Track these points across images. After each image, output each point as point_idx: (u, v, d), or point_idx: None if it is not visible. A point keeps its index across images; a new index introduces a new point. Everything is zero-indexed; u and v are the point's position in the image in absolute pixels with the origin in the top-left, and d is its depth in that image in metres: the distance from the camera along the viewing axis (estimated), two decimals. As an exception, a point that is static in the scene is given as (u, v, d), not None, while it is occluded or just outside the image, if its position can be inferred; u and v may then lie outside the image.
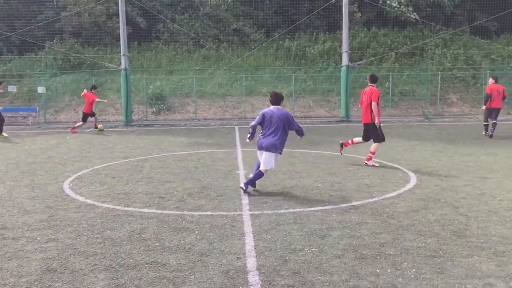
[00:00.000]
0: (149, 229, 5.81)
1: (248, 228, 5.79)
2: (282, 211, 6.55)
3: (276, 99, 7.77)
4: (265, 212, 6.51)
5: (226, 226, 5.89)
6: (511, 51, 27.21)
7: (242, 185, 7.71)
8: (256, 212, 6.49)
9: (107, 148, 13.59)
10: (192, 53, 28.65)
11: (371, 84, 10.26)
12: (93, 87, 19.34)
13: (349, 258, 4.76)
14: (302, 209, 6.61)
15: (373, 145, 10.27)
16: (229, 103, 24.94)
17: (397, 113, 24.35)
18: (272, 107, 7.78)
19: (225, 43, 28.95)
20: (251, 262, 4.67)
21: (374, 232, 5.60)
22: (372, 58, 26.27)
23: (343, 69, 22.04)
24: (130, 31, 26.14)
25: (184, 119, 23.43)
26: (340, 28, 22.76)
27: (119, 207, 6.84)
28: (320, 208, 6.69)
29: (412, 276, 4.32)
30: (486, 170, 9.41)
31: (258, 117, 7.81)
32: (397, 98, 24.95)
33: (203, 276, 4.36)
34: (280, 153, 7.77)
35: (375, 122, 10.08)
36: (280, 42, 28.74)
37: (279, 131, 7.59)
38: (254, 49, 27.31)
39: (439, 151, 12.18)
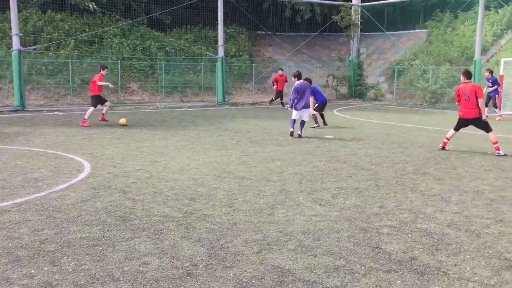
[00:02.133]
0: None
1: None
2: None
3: (299, 75, 12.99)
4: None
5: None
6: (182, 44, 29.95)
7: (300, 132, 12.66)
8: None
9: None
10: None
11: (467, 80, 10.39)
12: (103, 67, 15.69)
13: (1, 263, 4.26)
14: None
15: (491, 135, 10.44)
16: None
17: (79, 101, 23.66)
18: (300, 81, 12.83)
19: None
20: None
21: (35, 229, 5.19)
22: (49, 43, 24.73)
23: (15, 53, 19.95)
24: None
25: None
26: (9, 8, 20.41)
27: None
28: (-26, 211, 5.82)
29: (71, 270, 4.17)
30: (157, 154, 10.05)
31: (292, 92, 12.86)
32: (75, 84, 24.26)
33: None
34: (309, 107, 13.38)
35: (483, 116, 10.38)
36: None
37: (305, 96, 12.78)
38: None
39: (117, 138, 12.38)
